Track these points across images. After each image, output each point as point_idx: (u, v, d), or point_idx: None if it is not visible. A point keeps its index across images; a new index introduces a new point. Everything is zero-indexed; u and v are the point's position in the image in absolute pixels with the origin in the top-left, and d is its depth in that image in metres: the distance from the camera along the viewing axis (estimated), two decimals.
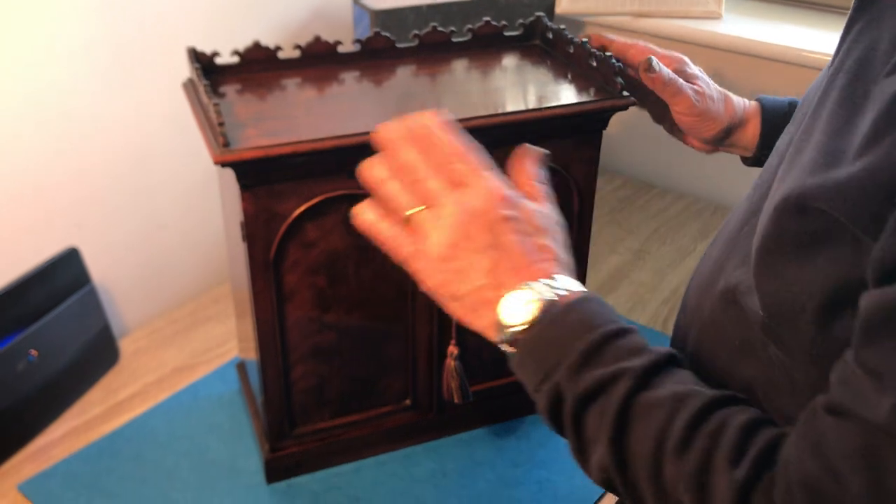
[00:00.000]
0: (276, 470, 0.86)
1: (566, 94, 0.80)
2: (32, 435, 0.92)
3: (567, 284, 0.53)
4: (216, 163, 0.67)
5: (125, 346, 1.07)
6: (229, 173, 0.71)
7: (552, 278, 0.53)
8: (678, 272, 1.23)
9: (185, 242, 1.18)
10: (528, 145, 0.61)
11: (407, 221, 0.55)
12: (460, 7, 1.23)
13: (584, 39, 0.84)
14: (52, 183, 1.00)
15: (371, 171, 0.57)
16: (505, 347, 0.54)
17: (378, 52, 0.86)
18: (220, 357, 1.05)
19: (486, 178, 0.55)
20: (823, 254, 0.45)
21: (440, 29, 0.88)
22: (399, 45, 0.87)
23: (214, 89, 0.78)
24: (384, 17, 1.18)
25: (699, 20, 1.35)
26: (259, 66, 0.82)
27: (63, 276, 0.97)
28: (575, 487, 0.85)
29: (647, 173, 1.50)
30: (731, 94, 0.84)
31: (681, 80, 0.80)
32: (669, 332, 0.69)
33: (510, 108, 0.76)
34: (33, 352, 0.91)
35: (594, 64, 0.80)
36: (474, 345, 0.84)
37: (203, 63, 0.79)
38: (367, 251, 0.76)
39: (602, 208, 1.39)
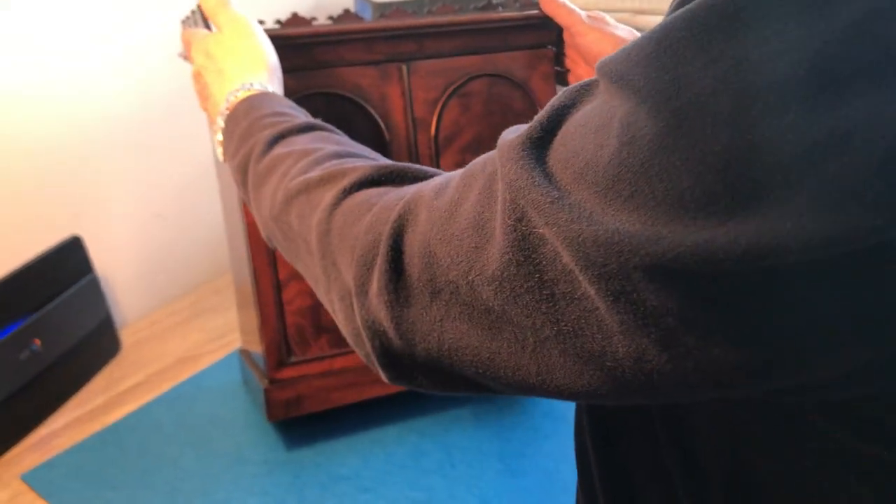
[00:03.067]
0: (277, 404, 0.85)
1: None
2: (35, 425, 0.91)
3: (231, 99, 0.65)
4: None
5: (125, 336, 1.06)
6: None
7: (227, 100, 0.66)
8: None
9: (185, 233, 1.17)
10: None
11: None
12: (462, 2, 1.23)
13: None
14: (52, 172, 0.99)
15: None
16: None
17: None
18: (222, 348, 1.04)
19: (194, 44, 0.70)
20: None
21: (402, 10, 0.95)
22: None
23: None
24: (386, 10, 1.18)
25: None
26: None
27: (66, 265, 0.96)
28: None
29: None
30: None
31: (574, 7, 0.82)
32: None
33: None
34: (36, 341, 0.90)
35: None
36: None
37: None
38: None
39: None
